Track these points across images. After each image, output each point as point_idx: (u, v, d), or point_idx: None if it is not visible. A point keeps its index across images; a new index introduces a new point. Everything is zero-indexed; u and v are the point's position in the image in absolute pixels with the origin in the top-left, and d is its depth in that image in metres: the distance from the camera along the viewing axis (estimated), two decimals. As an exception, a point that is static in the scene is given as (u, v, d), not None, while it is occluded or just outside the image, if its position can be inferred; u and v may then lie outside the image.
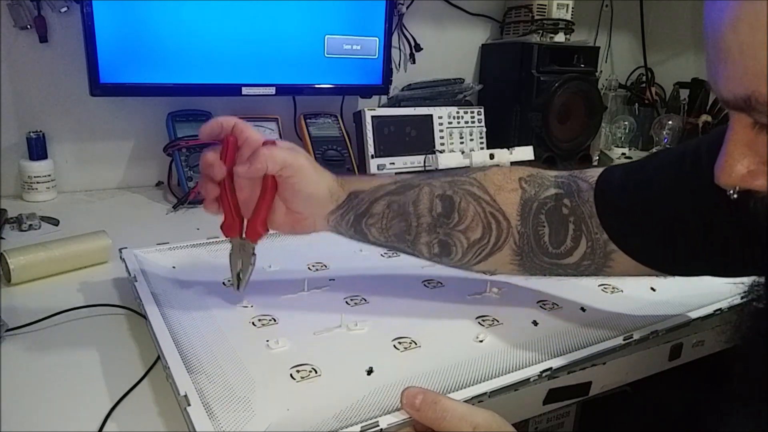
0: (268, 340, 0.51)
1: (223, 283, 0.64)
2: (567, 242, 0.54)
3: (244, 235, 0.57)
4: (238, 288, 0.58)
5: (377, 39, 1.16)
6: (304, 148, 0.74)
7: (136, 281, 0.60)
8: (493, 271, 0.59)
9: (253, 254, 0.57)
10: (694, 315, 0.61)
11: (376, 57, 1.17)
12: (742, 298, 0.47)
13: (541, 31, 1.35)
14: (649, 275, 0.55)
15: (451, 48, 1.41)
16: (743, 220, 0.42)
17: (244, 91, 1.06)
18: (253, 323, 0.55)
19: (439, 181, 0.58)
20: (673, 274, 0.55)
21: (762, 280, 0.45)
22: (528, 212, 0.55)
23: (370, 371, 0.48)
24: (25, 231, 0.83)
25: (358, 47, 1.14)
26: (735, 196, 0.36)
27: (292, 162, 0.54)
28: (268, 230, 0.57)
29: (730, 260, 0.48)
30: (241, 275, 0.58)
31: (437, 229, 0.56)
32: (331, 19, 1.10)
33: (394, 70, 1.33)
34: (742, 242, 0.46)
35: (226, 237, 0.57)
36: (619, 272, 0.55)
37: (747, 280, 0.47)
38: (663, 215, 0.50)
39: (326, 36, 1.10)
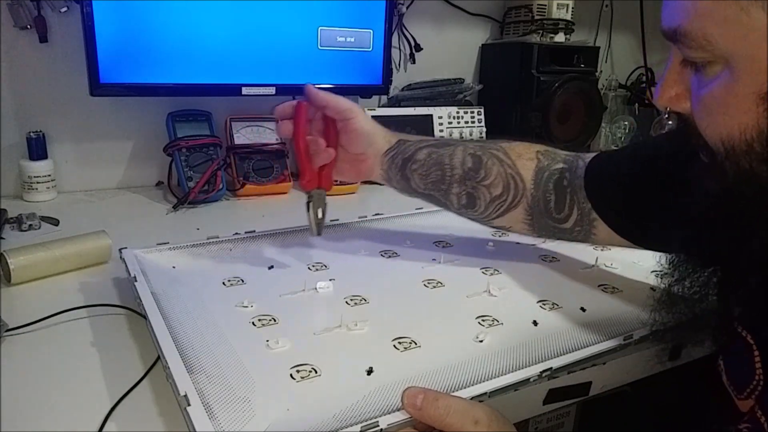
0: (268, 340, 0.51)
1: (223, 283, 0.64)
2: (565, 210, 0.65)
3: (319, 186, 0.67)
4: (318, 233, 0.68)
5: (371, 31, 1.15)
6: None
7: (136, 281, 0.60)
8: (508, 228, 0.70)
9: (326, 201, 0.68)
10: (694, 315, 0.60)
11: (370, 50, 1.17)
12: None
13: (541, 31, 1.35)
14: (629, 246, 0.64)
15: (451, 48, 1.41)
16: (696, 200, 0.44)
17: (244, 91, 1.06)
18: (253, 323, 0.55)
19: (472, 144, 0.70)
20: (643, 247, 0.64)
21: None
22: (540, 179, 0.66)
23: (370, 371, 0.48)
24: (25, 231, 0.84)
25: (352, 39, 1.14)
26: (666, 116, 0.45)
27: (352, 106, 0.66)
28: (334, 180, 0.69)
29: (689, 239, 0.48)
30: (320, 221, 0.68)
31: (466, 182, 0.67)
32: (326, 13, 1.10)
33: (394, 70, 1.33)
34: (694, 223, 0.47)
35: (308, 190, 0.67)
36: (602, 240, 0.65)
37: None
38: (630, 191, 0.59)
39: (320, 28, 1.10)
